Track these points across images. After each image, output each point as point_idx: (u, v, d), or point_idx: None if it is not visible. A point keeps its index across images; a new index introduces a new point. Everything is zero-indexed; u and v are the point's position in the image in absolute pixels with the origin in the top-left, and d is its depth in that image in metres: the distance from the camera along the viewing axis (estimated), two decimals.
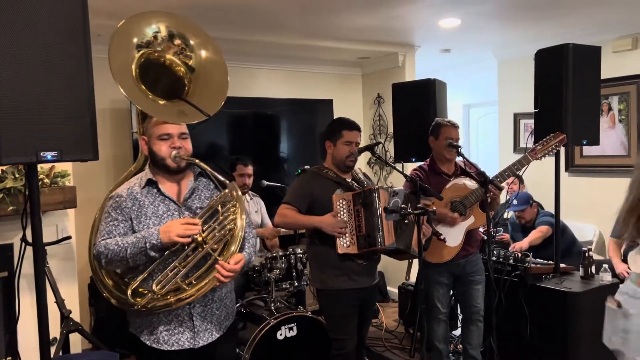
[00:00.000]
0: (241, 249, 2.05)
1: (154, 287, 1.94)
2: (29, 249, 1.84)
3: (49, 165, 2.80)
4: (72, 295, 3.01)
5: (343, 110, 4.97)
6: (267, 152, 5.01)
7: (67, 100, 1.69)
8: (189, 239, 1.94)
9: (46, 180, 2.80)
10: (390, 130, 5.01)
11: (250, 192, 3.94)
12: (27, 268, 2.03)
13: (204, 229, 1.98)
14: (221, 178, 2.08)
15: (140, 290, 2.00)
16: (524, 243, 4.07)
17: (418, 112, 3.85)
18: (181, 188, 2.11)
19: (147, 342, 2.04)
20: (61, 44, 1.67)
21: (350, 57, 5.25)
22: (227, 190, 2.06)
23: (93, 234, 2.25)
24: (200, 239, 1.96)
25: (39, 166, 2.40)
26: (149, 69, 2.12)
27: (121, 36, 2.05)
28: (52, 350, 2.54)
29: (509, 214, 4.69)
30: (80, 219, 3.24)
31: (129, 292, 1.98)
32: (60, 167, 2.87)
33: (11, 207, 2.63)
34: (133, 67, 2.06)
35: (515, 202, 4.23)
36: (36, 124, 1.63)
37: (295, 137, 5.22)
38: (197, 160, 2.06)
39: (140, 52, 2.08)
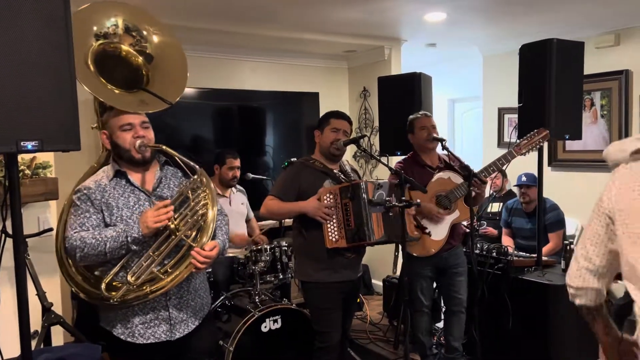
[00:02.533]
0: (214, 237, 2.03)
1: (129, 278, 1.93)
2: (9, 241, 1.82)
3: (30, 156, 2.75)
4: (54, 287, 2.98)
5: (329, 104, 4.97)
6: (253, 145, 4.99)
7: (48, 89, 1.66)
8: (166, 222, 1.92)
9: (27, 172, 2.76)
10: (376, 123, 5.02)
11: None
12: (8, 260, 2.00)
13: (176, 216, 1.97)
14: (191, 163, 2.05)
15: (114, 283, 1.98)
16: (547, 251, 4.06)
17: (403, 106, 3.86)
18: (148, 178, 2.09)
19: (122, 337, 2.02)
20: (42, 32, 1.64)
21: (337, 50, 5.24)
22: (196, 177, 2.04)
23: (60, 227, 2.20)
24: (173, 226, 1.95)
25: (20, 157, 2.36)
26: (105, 60, 2.09)
27: (79, 22, 2.01)
28: (34, 343, 2.51)
29: (498, 207, 4.71)
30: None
31: (103, 285, 1.96)
32: (41, 158, 2.82)
33: None
34: (89, 56, 2.03)
35: (524, 178, 4.24)
36: (16, 113, 1.60)
37: (281, 130, 5.20)
38: (164, 147, 2.03)
39: (96, 43, 2.05)
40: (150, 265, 1.94)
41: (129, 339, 2.01)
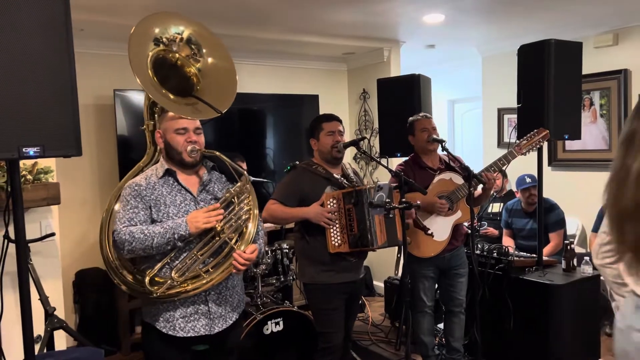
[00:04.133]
0: (254, 241, 2.14)
1: (173, 274, 2.02)
2: (12, 246, 1.83)
3: (32, 161, 2.77)
4: (57, 292, 2.99)
5: (329, 106, 4.98)
6: (253, 147, 5.00)
7: (50, 95, 1.67)
8: (215, 224, 2.03)
9: (29, 177, 2.77)
10: (376, 125, 5.03)
11: None
12: (10, 265, 2.01)
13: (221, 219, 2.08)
14: (240, 169, 2.17)
15: (156, 279, 2.06)
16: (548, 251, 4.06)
17: (403, 108, 3.87)
18: (196, 180, 2.20)
19: (163, 330, 2.09)
20: (43, 39, 1.65)
21: (336, 52, 5.25)
22: (241, 183, 2.16)
23: (105, 223, 2.29)
24: (218, 228, 2.05)
25: (22, 163, 2.38)
26: (161, 65, 2.21)
27: (144, 28, 2.13)
28: (37, 347, 2.52)
29: (499, 207, 4.71)
30: (63, 215, 3.21)
31: (147, 280, 2.04)
32: (43, 163, 2.83)
33: None
34: (149, 60, 2.14)
35: (528, 180, 4.24)
36: (18, 119, 1.62)
37: (281, 133, 5.21)
38: (217, 153, 2.15)
39: (157, 48, 2.17)
40: (194, 264, 2.04)
41: (170, 332, 2.09)
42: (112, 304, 4.13)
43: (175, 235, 2.00)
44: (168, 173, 2.14)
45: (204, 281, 2.04)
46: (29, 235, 2.16)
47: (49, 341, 2.73)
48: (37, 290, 2.74)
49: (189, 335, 2.09)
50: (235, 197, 2.14)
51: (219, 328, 2.15)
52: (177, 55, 2.26)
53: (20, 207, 1.76)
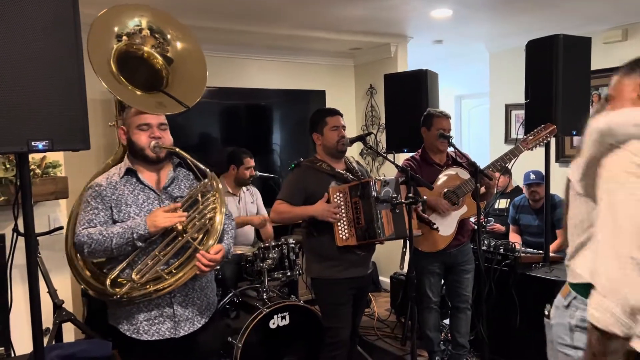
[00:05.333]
0: (220, 240, 2.04)
1: (133, 276, 1.95)
2: (21, 239, 1.84)
3: (40, 155, 2.79)
4: (65, 285, 3.01)
5: (335, 101, 4.98)
6: (260, 143, 5.01)
7: (58, 89, 1.68)
8: (173, 224, 1.95)
9: (37, 171, 2.79)
10: (383, 120, 5.02)
11: None
12: (19, 258, 2.03)
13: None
14: (202, 167, 2.07)
15: (119, 280, 2.00)
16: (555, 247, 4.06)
17: (410, 103, 3.86)
18: (160, 177, 2.12)
19: (127, 333, 2.04)
20: (51, 33, 1.66)
21: (343, 47, 5.24)
22: (206, 180, 2.07)
23: (71, 224, 2.23)
24: (180, 227, 1.97)
25: (30, 157, 2.39)
26: (126, 60, 2.12)
27: (102, 24, 2.06)
28: (45, 340, 2.54)
29: (506, 203, 4.70)
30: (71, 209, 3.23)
31: (108, 281, 1.98)
32: (51, 157, 2.86)
33: (3, 198, 2.62)
34: (111, 56, 2.06)
35: (532, 176, 4.22)
36: (27, 113, 1.63)
37: (288, 128, 5.21)
38: (177, 149, 2.06)
39: (119, 43, 2.08)
40: (156, 265, 1.97)
41: (133, 335, 2.03)
42: None
43: (134, 235, 1.93)
44: (129, 172, 2.07)
45: (167, 282, 1.96)
46: (38, 229, 2.18)
47: (57, 333, 2.76)
48: (46, 283, 2.76)
49: (153, 338, 2.03)
50: (200, 195, 2.05)
51: (185, 331, 2.07)
52: (142, 47, 2.17)
53: (29, 200, 1.78)
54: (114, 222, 2.02)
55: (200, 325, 2.12)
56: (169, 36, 2.20)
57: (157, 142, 2.04)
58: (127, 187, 2.05)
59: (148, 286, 1.96)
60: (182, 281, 1.97)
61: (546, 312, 1.67)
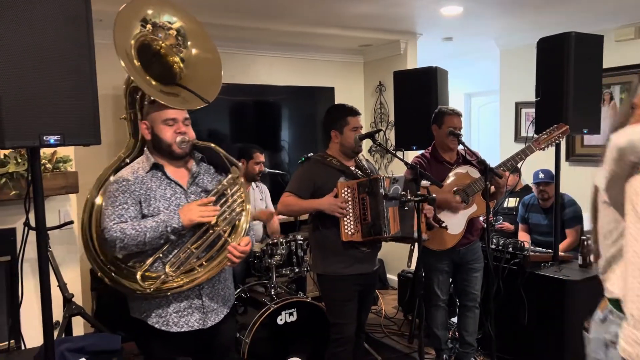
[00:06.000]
0: (247, 233, 2.11)
1: (167, 269, 1.99)
2: (32, 234, 1.86)
3: (51, 150, 2.81)
4: (75, 279, 3.04)
5: (344, 98, 4.97)
6: (268, 139, 5.01)
7: (70, 84, 1.70)
8: (210, 219, 2.00)
9: (48, 166, 2.82)
10: (392, 118, 5.01)
11: None
12: (30, 252, 2.05)
13: None
14: (234, 160, 2.11)
15: (147, 274, 2.02)
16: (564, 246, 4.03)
17: (419, 100, 3.85)
18: (184, 172, 2.15)
19: (156, 325, 2.06)
20: (63, 29, 1.67)
21: (352, 44, 5.23)
22: (235, 175, 2.11)
23: (86, 214, 2.25)
24: (213, 221, 2.02)
25: (42, 152, 2.41)
26: (144, 51, 2.13)
27: (136, 6, 2.10)
28: (55, 333, 2.57)
29: (515, 202, 4.67)
30: (82, 204, 3.25)
31: (139, 276, 2.00)
32: (62, 152, 2.88)
33: (14, 192, 2.64)
34: (132, 43, 2.08)
35: (541, 175, 4.21)
36: (39, 108, 1.64)
37: (297, 125, 5.21)
38: (212, 145, 2.10)
39: (142, 30, 2.11)
40: (189, 258, 2.02)
41: (163, 328, 2.06)
42: None
43: (168, 229, 1.96)
44: (155, 167, 2.09)
45: (198, 274, 2.00)
46: (48, 223, 2.20)
47: (67, 327, 2.78)
48: (56, 277, 2.79)
49: (182, 330, 2.06)
50: (228, 189, 2.10)
51: (212, 322, 2.12)
52: (161, 43, 2.19)
53: (40, 195, 1.79)
54: (143, 216, 2.04)
55: (223, 316, 2.17)
56: (189, 43, 2.25)
57: (183, 137, 2.07)
58: (154, 182, 2.07)
59: (180, 279, 2.00)
60: (213, 273, 2.04)
61: (585, 326, 1.62)
